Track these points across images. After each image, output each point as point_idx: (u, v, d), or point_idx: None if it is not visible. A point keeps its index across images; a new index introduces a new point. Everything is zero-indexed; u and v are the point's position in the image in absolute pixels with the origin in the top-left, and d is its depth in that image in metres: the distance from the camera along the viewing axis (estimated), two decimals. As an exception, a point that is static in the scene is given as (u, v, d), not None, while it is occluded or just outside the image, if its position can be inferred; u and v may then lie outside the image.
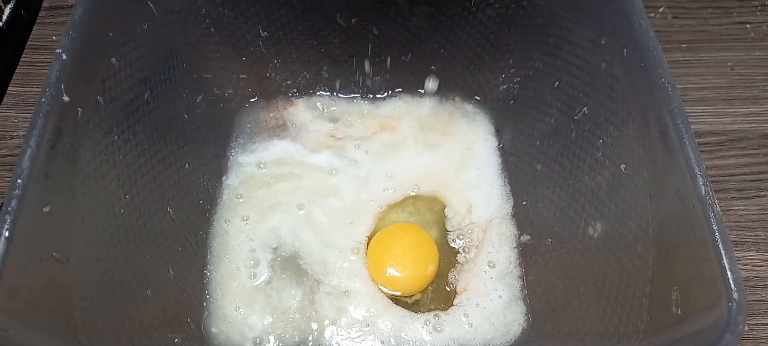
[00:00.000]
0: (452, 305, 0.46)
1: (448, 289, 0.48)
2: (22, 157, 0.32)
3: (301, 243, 0.49)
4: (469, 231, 0.50)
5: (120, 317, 0.37)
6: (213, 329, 0.45)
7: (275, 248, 0.49)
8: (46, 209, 0.33)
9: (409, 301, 0.47)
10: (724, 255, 0.30)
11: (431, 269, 0.47)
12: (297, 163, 0.54)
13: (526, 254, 0.49)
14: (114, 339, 0.36)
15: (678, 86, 0.36)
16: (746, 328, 0.45)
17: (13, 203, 0.30)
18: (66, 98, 0.35)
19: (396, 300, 0.47)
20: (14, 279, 0.29)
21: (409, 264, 0.47)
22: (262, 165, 0.54)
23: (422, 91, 0.58)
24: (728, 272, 0.29)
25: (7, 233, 0.29)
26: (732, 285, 0.29)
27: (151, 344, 0.39)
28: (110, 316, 0.37)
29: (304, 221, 0.50)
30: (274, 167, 0.54)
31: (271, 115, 0.57)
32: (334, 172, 0.54)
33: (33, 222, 0.31)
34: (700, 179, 0.32)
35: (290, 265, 0.48)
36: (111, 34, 0.40)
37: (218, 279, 0.47)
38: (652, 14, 0.65)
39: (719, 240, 0.30)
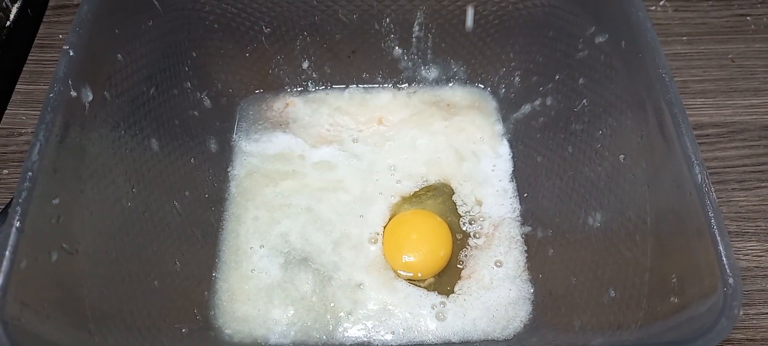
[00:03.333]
0: (454, 292, 0.47)
1: (459, 266, 0.49)
2: (31, 150, 0.32)
3: (311, 247, 0.49)
4: (481, 219, 0.51)
5: (128, 308, 0.38)
6: (227, 331, 0.45)
7: (286, 252, 0.49)
8: (56, 201, 0.33)
9: (423, 284, 0.48)
10: (719, 241, 0.30)
11: (443, 253, 0.48)
12: (298, 160, 0.55)
13: (527, 246, 0.49)
14: (123, 328, 0.37)
15: (679, 79, 0.36)
16: (746, 316, 0.46)
17: (24, 195, 0.31)
18: (73, 93, 0.36)
19: (409, 281, 0.48)
20: (25, 269, 0.30)
21: (424, 249, 0.48)
22: (265, 160, 0.54)
23: (428, 86, 0.59)
24: (724, 258, 0.30)
25: (18, 224, 0.30)
26: (728, 271, 0.29)
27: (159, 334, 0.40)
28: (119, 306, 0.37)
29: (312, 222, 0.51)
30: (277, 163, 0.54)
31: (273, 109, 0.58)
32: (336, 166, 0.54)
33: (43, 214, 0.32)
34: (697, 167, 0.33)
35: (304, 266, 0.48)
36: (117, 30, 0.41)
37: (231, 281, 0.48)
38: (653, 7, 0.65)
39: (715, 227, 0.31)
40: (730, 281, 0.29)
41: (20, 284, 0.30)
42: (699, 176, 0.32)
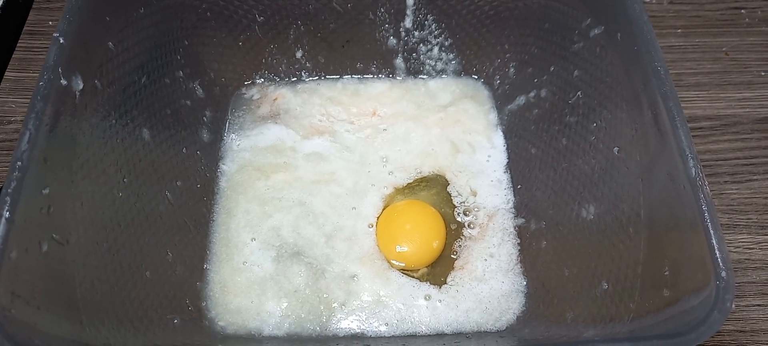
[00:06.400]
0: (447, 282, 0.47)
1: (453, 256, 0.49)
2: (21, 140, 0.32)
3: (303, 240, 0.49)
4: (475, 209, 0.51)
5: (120, 298, 0.38)
6: (220, 322, 0.45)
7: (279, 246, 0.49)
8: (46, 192, 0.33)
9: (416, 274, 0.48)
10: (713, 235, 0.30)
11: (437, 244, 0.48)
12: (290, 152, 0.54)
13: (520, 238, 0.49)
14: (115, 319, 0.37)
15: (673, 71, 0.36)
16: (736, 308, 0.47)
17: (13, 185, 0.31)
18: (64, 82, 0.35)
19: (402, 271, 0.48)
20: (16, 260, 0.30)
21: (418, 240, 0.48)
22: (257, 152, 0.54)
23: (422, 77, 0.59)
24: (717, 252, 0.30)
25: (7, 214, 0.30)
26: (720, 264, 0.29)
27: (151, 325, 0.39)
28: (110, 297, 0.37)
29: (304, 216, 0.50)
30: (269, 156, 0.54)
31: (266, 99, 0.57)
32: (328, 158, 0.54)
33: (33, 204, 0.32)
34: (691, 160, 0.33)
35: (296, 259, 0.48)
36: (108, 18, 0.40)
37: (223, 273, 0.47)
38: (648, -1, 0.65)
39: (708, 221, 0.31)
40: (723, 274, 0.29)
41: (11, 274, 0.30)
42: (693, 170, 0.32)
